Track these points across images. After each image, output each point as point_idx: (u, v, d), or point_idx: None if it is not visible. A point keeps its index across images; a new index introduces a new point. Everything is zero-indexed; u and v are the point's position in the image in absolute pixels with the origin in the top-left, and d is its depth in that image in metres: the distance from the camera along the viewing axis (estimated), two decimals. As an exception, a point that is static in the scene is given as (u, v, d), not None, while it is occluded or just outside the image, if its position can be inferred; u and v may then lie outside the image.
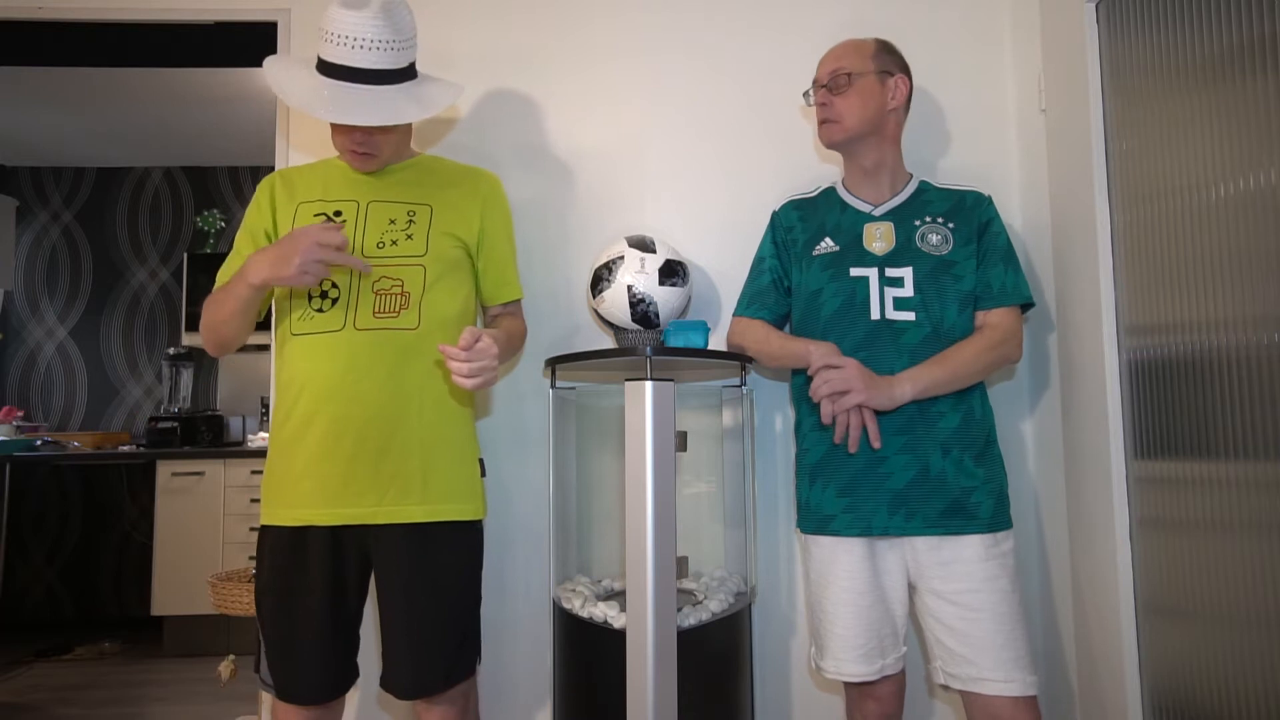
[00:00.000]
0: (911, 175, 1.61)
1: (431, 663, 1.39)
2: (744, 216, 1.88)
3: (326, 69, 1.38)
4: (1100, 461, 1.52)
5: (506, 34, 1.97)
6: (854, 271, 1.51)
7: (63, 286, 4.27)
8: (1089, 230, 1.54)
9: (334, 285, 1.43)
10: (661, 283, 1.63)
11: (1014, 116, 1.91)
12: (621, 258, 1.64)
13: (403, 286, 1.44)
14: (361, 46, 1.36)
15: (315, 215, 1.47)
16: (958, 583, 1.41)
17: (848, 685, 1.53)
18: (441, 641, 1.40)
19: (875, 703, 1.50)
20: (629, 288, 1.62)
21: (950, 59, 1.92)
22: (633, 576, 1.38)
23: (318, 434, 1.39)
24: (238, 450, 3.67)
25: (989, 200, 1.57)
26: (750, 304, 1.65)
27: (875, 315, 1.48)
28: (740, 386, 1.72)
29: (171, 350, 4.03)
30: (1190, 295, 1.29)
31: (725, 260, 1.89)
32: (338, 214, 1.47)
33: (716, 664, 1.49)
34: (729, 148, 1.94)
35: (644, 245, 1.67)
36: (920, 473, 1.44)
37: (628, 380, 1.42)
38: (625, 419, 1.41)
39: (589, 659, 1.50)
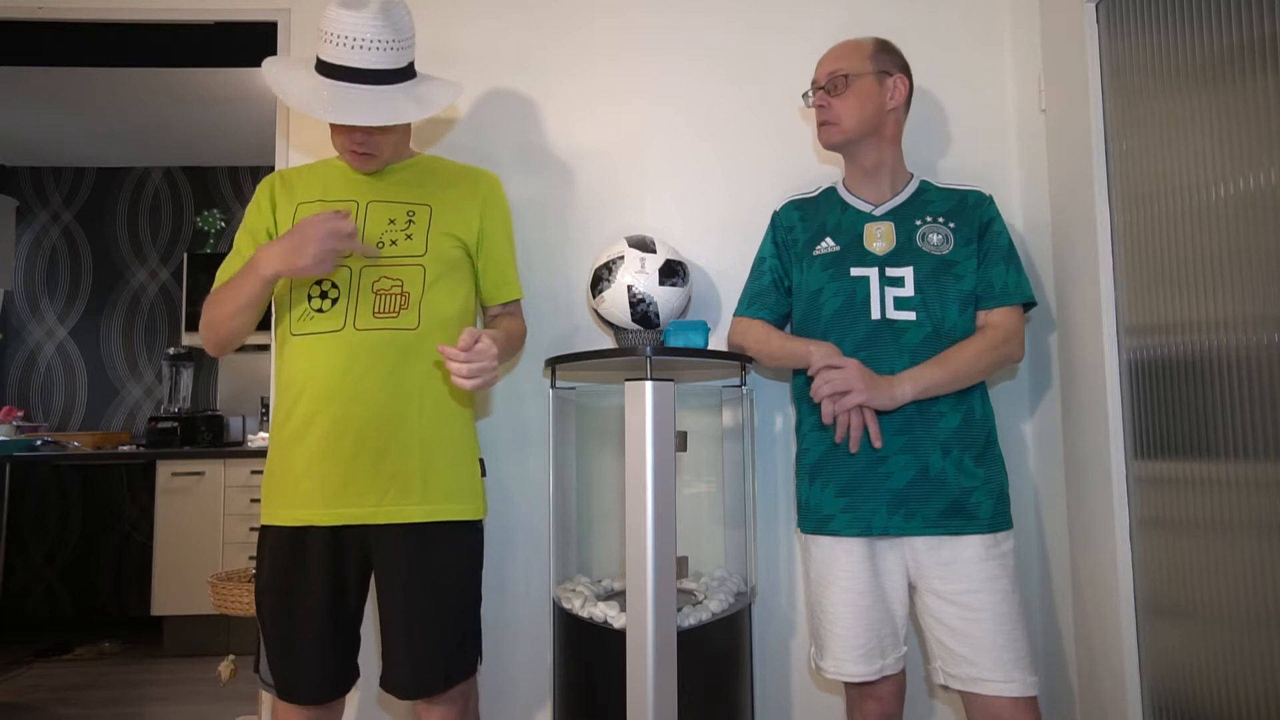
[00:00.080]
0: (912, 175, 1.61)
1: (432, 663, 1.39)
2: (744, 216, 1.88)
3: (326, 69, 1.38)
4: (1100, 461, 1.52)
5: (505, 34, 1.97)
6: (854, 271, 1.51)
7: (63, 286, 4.27)
8: (1089, 230, 1.54)
9: (334, 285, 1.43)
10: (661, 283, 1.63)
11: (1014, 116, 1.91)
12: (621, 258, 1.64)
13: (402, 286, 1.44)
14: (361, 46, 1.36)
15: None
16: (958, 583, 1.41)
17: (848, 685, 1.53)
18: (442, 641, 1.40)
19: (875, 703, 1.50)
20: (629, 288, 1.62)
21: (950, 59, 1.92)
22: (633, 576, 1.38)
23: (318, 434, 1.39)
24: (238, 450, 3.67)
25: (990, 199, 1.57)
26: (751, 304, 1.65)
27: (876, 315, 1.48)
28: (740, 386, 1.72)
29: (171, 350, 4.03)
30: (1190, 295, 1.29)
31: (725, 260, 1.89)
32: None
33: (716, 664, 1.49)
34: (729, 148, 1.94)
35: (644, 245, 1.67)
36: (920, 473, 1.44)
37: (628, 380, 1.42)
38: (625, 419, 1.41)
39: (589, 659, 1.50)
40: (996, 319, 1.49)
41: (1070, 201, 1.64)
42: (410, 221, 1.48)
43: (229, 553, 3.49)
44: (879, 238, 1.53)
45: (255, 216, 1.50)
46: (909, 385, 1.41)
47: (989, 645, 1.38)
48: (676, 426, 1.43)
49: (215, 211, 4.27)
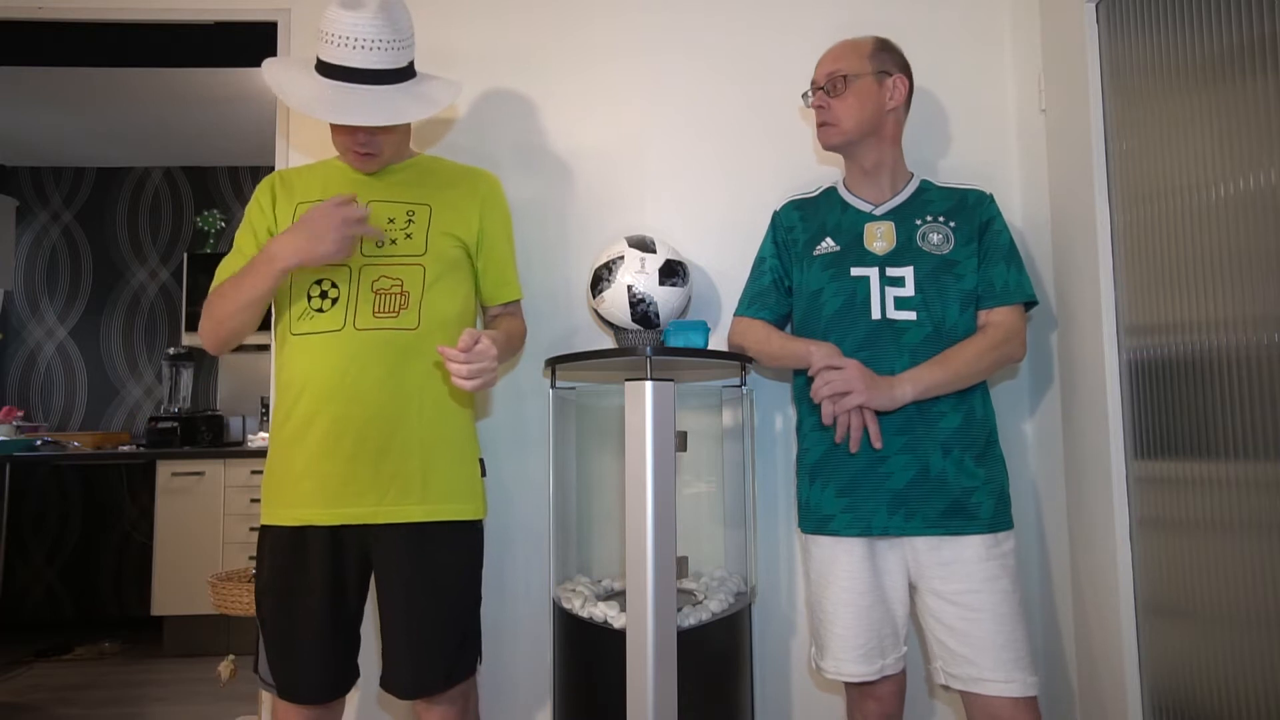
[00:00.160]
0: (913, 174, 1.61)
1: (432, 662, 1.39)
2: (744, 216, 1.88)
3: (326, 70, 1.38)
4: (1100, 461, 1.52)
5: (505, 33, 1.97)
6: (855, 271, 1.51)
7: (63, 286, 4.27)
8: (1089, 230, 1.54)
9: (334, 285, 1.43)
10: (661, 283, 1.63)
11: (1014, 116, 1.91)
12: (621, 258, 1.64)
13: (402, 286, 1.44)
14: (361, 47, 1.36)
15: None
16: (958, 583, 1.41)
17: (848, 685, 1.53)
18: (441, 641, 1.40)
19: (875, 703, 1.50)
20: (629, 288, 1.62)
21: (950, 59, 1.92)
22: (633, 576, 1.38)
23: (318, 434, 1.39)
24: (238, 450, 3.67)
25: (990, 199, 1.56)
26: (751, 304, 1.65)
27: (876, 315, 1.48)
28: (740, 386, 1.72)
29: (171, 350, 4.03)
30: (1190, 295, 1.29)
31: (725, 260, 1.89)
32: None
33: (716, 664, 1.49)
34: (729, 148, 1.94)
35: (644, 245, 1.67)
36: (920, 473, 1.44)
37: (628, 380, 1.42)
38: (625, 419, 1.41)
39: (589, 659, 1.50)
40: (997, 318, 1.49)
41: (1070, 201, 1.64)
42: (410, 221, 1.48)
43: (229, 553, 3.49)
44: (879, 237, 1.53)
45: (257, 215, 1.50)
46: (909, 386, 1.41)
47: (989, 645, 1.38)
48: (676, 426, 1.43)
49: (215, 211, 4.27)
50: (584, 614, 1.52)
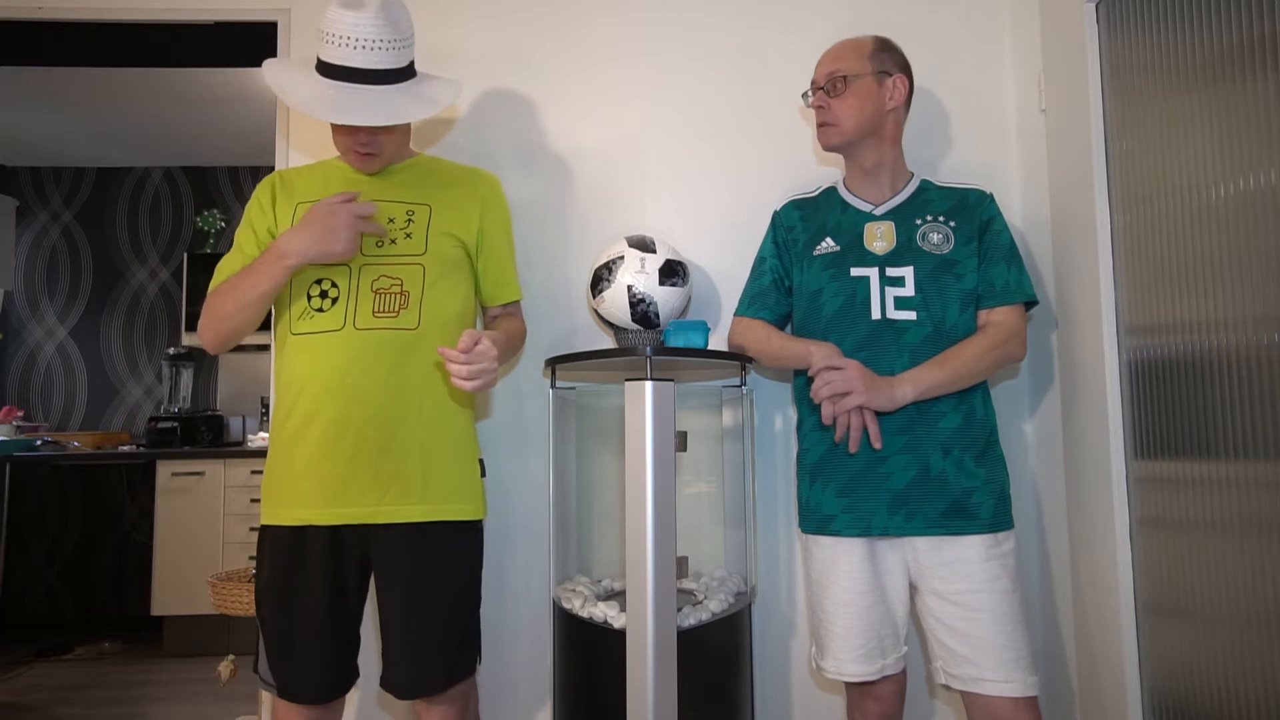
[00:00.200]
0: (913, 174, 1.61)
1: (431, 662, 1.39)
2: (744, 216, 1.88)
3: (327, 70, 1.39)
4: (1100, 461, 1.52)
5: (505, 33, 1.97)
6: (855, 271, 1.51)
7: (63, 286, 4.27)
8: (1089, 230, 1.54)
9: (334, 284, 1.43)
10: (661, 283, 1.63)
11: (1014, 116, 1.91)
12: (621, 258, 1.64)
13: (402, 285, 1.44)
14: (363, 47, 1.36)
15: None
16: (958, 583, 1.41)
17: (848, 685, 1.53)
18: (441, 641, 1.40)
19: (876, 703, 1.50)
20: (629, 288, 1.62)
21: (950, 59, 1.92)
22: (633, 576, 1.38)
23: (318, 434, 1.39)
24: (238, 450, 3.67)
25: (990, 198, 1.56)
26: (751, 304, 1.65)
27: (876, 315, 1.48)
28: (740, 386, 1.72)
29: (171, 350, 4.03)
30: (1190, 295, 1.29)
31: (725, 260, 1.89)
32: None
33: (716, 664, 1.49)
34: (729, 148, 1.94)
35: (644, 245, 1.67)
36: (921, 473, 1.44)
37: (628, 380, 1.42)
38: (625, 419, 1.41)
39: (589, 659, 1.50)
40: (998, 318, 1.49)
41: (1070, 201, 1.64)
42: (410, 220, 1.48)
43: (229, 553, 3.49)
44: (879, 237, 1.53)
45: (257, 214, 1.50)
46: (909, 386, 1.41)
47: (990, 645, 1.38)
48: (676, 426, 1.43)
49: (215, 211, 4.27)
50: (584, 614, 1.52)
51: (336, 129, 1.47)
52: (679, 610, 1.43)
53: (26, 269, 4.27)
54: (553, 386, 1.71)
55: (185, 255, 4.13)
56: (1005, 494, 1.48)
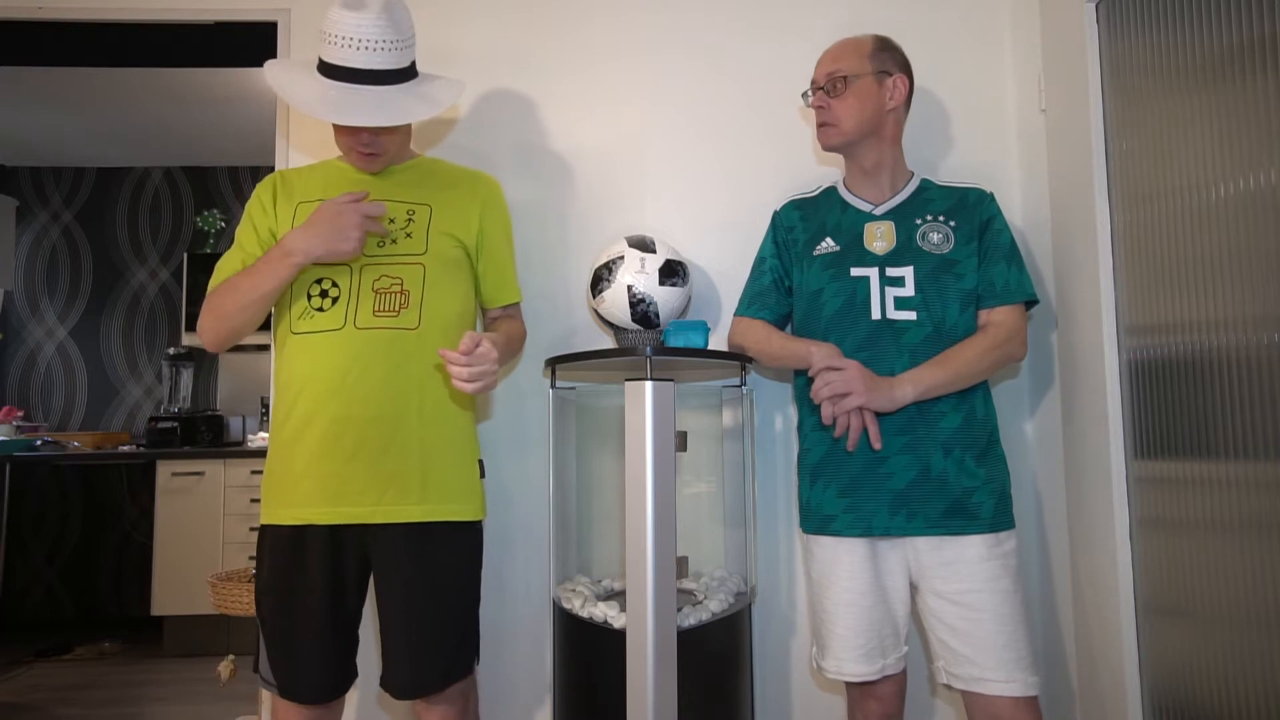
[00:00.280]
0: (913, 173, 1.61)
1: (430, 662, 1.39)
2: (744, 216, 1.88)
3: (329, 70, 1.39)
4: (1100, 461, 1.52)
5: (505, 34, 1.97)
6: (855, 271, 1.51)
7: (63, 286, 4.27)
8: (1089, 230, 1.54)
9: (334, 284, 1.43)
10: (661, 283, 1.63)
11: (1014, 116, 1.91)
12: (621, 258, 1.64)
13: (402, 285, 1.44)
14: (365, 47, 1.37)
15: None
16: (959, 583, 1.41)
17: (849, 685, 1.53)
18: (440, 641, 1.40)
19: (876, 702, 1.50)
20: (629, 288, 1.62)
21: (950, 59, 1.92)
22: (633, 576, 1.38)
23: (317, 433, 1.39)
24: (238, 450, 3.67)
25: (991, 197, 1.56)
26: (751, 304, 1.65)
27: (876, 315, 1.48)
28: (740, 386, 1.72)
29: (171, 350, 4.03)
30: (1190, 295, 1.29)
31: (725, 260, 1.89)
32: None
33: (716, 664, 1.49)
34: (729, 148, 1.94)
35: (644, 245, 1.67)
36: (921, 473, 1.44)
37: (628, 380, 1.42)
38: (625, 419, 1.41)
39: (589, 659, 1.50)
40: (998, 318, 1.49)
41: (1070, 201, 1.64)
42: (410, 220, 1.49)
43: (229, 553, 3.49)
44: (879, 237, 1.53)
45: (258, 213, 1.50)
46: (910, 387, 1.41)
47: (990, 645, 1.38)
48: (676, 426, 1.43)
49: (215, 211, 4.27)
50: (584, 614, 1.52)
51: (339, 129, 1.47)
52: (679, 610, 1.43)
53: (26, 269, 4.27)
54: (553, 386, 1.71)
55: (185, 255, 4.13)
56: (1006, 494, 1.48)
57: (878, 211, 1.56)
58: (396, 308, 1.43)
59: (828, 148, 1.58)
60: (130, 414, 4.22)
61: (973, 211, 1.54)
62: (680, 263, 1.68)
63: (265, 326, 1.55)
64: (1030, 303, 1.52)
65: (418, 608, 1.39)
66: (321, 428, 1.38)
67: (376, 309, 1.42)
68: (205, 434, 3.83)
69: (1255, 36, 1.14)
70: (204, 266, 4.04)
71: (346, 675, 1.44)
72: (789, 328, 1.66)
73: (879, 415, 1.43)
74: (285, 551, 1.40)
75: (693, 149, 1.94)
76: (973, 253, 1.51)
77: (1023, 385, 1.85)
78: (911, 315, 1.47)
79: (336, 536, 1.40)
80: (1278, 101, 1.11)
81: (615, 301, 1.64)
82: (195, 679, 3.18)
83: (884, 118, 1.54)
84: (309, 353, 1.41)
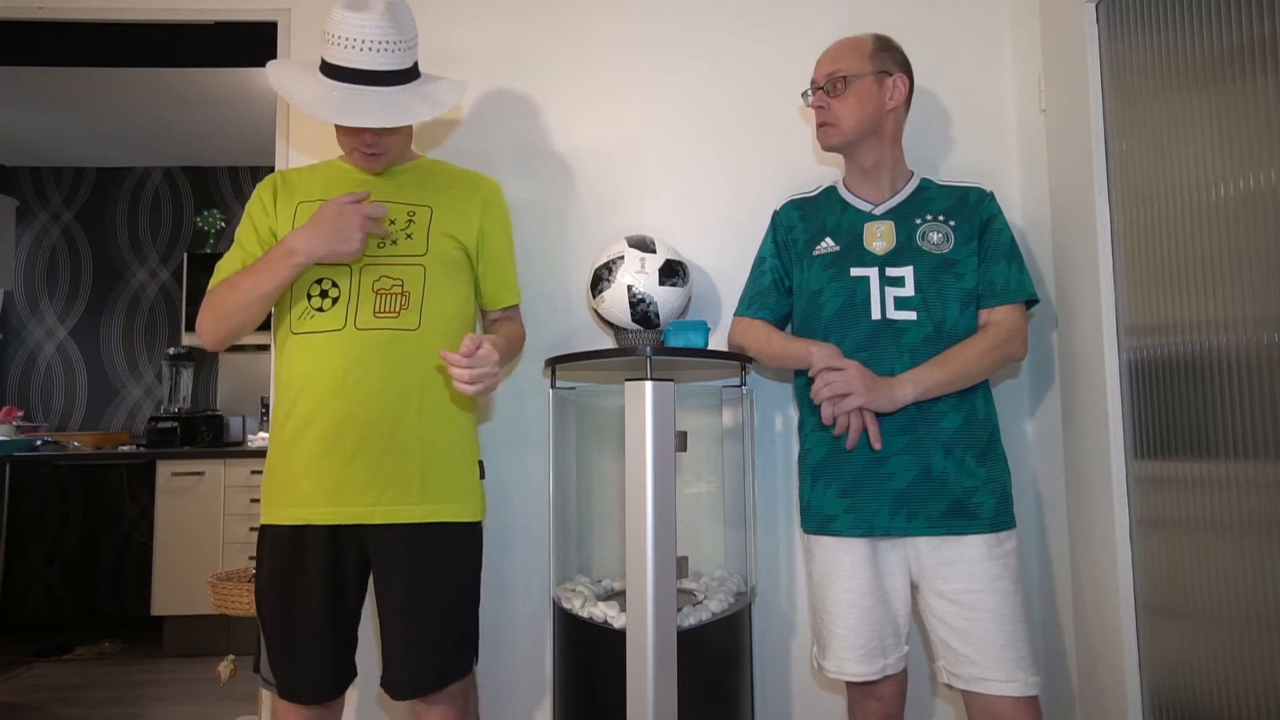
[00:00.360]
0: (913, 173, 1.61)
1: (429, 662, 1.39)
2: (744, 216, 1.88)
3: (331, 71, 1.39)
4: (1100, 461, 1.52)
5: (504, 34, 1.97)
6: (854, 271, 1.51)
7: (63, 286, 4.27)
8: (1089, 230, 1.54)
9: (334, 285, 1.43)
10: (661, 283, 1.63)
11: (1014, 116, 1.91)
12: (621, 258, 1.64)
13: (403, 286, 1.44)
14: (367, 48, 1.37)
15: None
16: (960, 583, 1.41)
17: (850, 685, 1.53)
18: (439, 641, 1.40)
19: (877, 702, 1.50)
20: (629, 288, 1.62)
21: (950, 59, 1.92)
22: (633, 576, 1.38)
23: (317, 433, 1.39)
24: (238, 450, 3.67)
25: (991, 196, 1.56)
26: (751, 304, 1.65)
27: (876, 315, 1.48)
28: (740, 386, 1.72)
29: (171, 350, 4.03)
30: (1190, 295, 1.29)
31: (725, 260, 1.89)
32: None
33: (716, 664, 1.49)
34: (729, 148, 1.94)
35: (644, 245, 1.67)
36: (922, 473, 1.44)
37: (628, 380, 1.42)
38: (625, 419, 1.41)
39: (589, 659, 1.50)
40: (998, 317, 1.49)
41: (1070, 201, 1.64)
42: (411, 221, 1.49)
43: (229, 553, 3.49)
44: (879, 237, 1.53)
45: (259, 212, 1.50)
46: (910, 387, 1.41)
47: (991, 645, 1.38)
48: (676, 426, 1.43)
49: (215, 211, 4.27)
50: (584, 614, 1.52)
51: (341, 130, 1.47)
52: (679, 610, 1.43)
53: (26, 269, 4.27)
54: (553, 386, 1.71)
55: (185, 255, 4.13)
56: (1007, 494, 1.48)
57: (877, 211, 1.56)
58: (397, 308, 1.43)
59: (827, 148, 1.58)
60: (130, 414, 4.22)
61: (973, 211, 1.54)
62: (680, 263, 1.68)
63: (265, 327, 1.55)
64: (1030, 302, 1.52)
65: (416, 608, 1.39)
66: (321, 428, 1.38)
67: (377, 310, 1.42)
68: (205, 434, 3.83)
69: (1255, 36, 1.14)
70: (204, 266, 4.04)
71: (346, 675, 1.44)
72: (789, 328, 1.66)
73: (879, 415, 1.43)
74: (285, 551, 1.40)
75: (693, 149, 1.94)
76: (973, 252, 1.51)
77: (1023, 385, 1.85)
78: (911, 315, 1.47)
79: (336, 536, 1.40)
80: (1278, 101, 1.11)
81: (615, 301, 1.64)
82: (195, 679, 3.18)
83: (884, 118, 1.54)
84: (309, 353, 1.41)
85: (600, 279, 1.66)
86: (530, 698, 1.85)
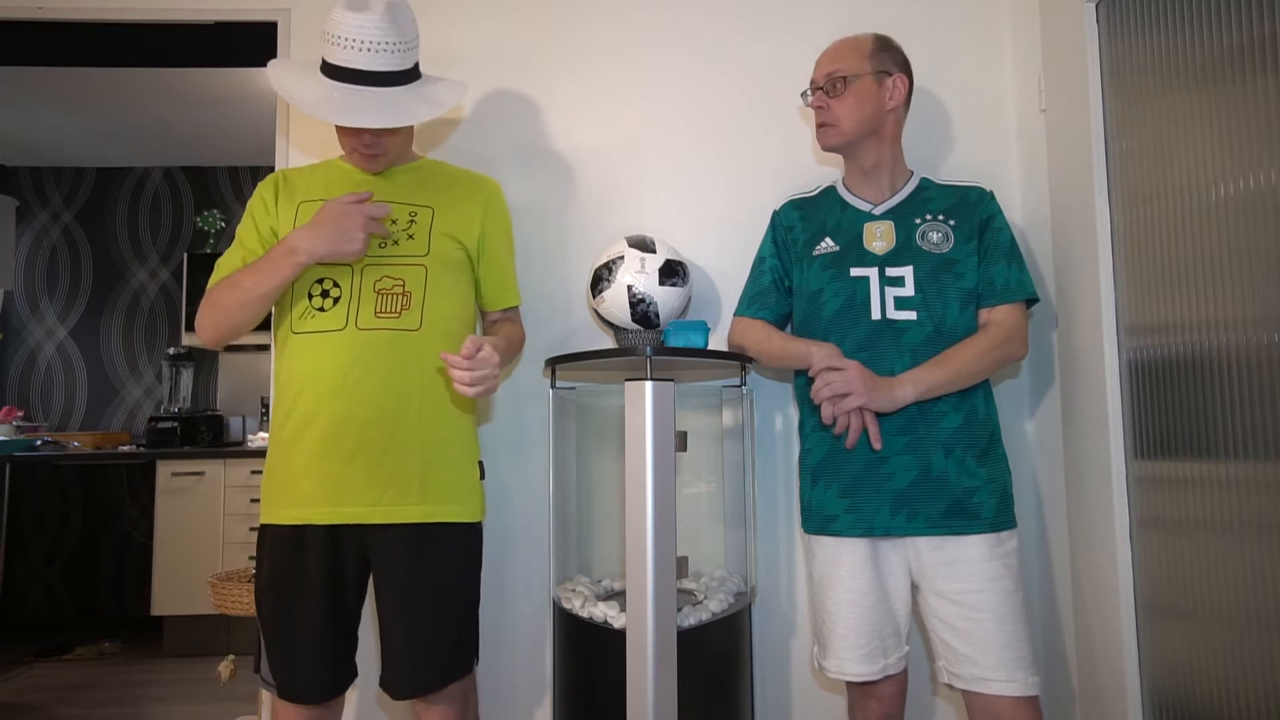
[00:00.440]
0: (912, 173, 1.61)
1: (429, 662, 1.39)
2: (744, 216, 1.88)
3: (332, 71, 1.39)
4: (1100, 461, 1.52)
5: (505, 34, 1.97)
6: (854, 271, 1.51)
7: (63, 286, 4.27)
8: (1089, 230, 1.54)
9: (335, 285, 1.43)
10: (661, 283, 1.63)
11: (1014, 116, 1.91)
12: (621, 258, 1.64)
13: (404, 286, 1.44)
14: (368, 49, 1.37)
15: None
16: (961, 583, 1.41)
17: (850, 685, 1.53)
18: (439, 641, 1.40)
19: (877, 702, 1.50)
20: (629, 288, 1.62)
21: (950, 59, 1.92)
22: (633, 576, 1.38)
23: (317, 433, 1.39)
24: (238, 450, 3.67)
25: (991, 196, 1.56)
26: (751, 304, 1.65)
27: (876, 315, 1.48)
28: (740, 386, 1.72)
29: (171, 350, 4.04)
30: (1190, 295, 1.29)
31: (725, 260, 1.89)
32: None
33: (716, 664, 1.49)
34: (729, 148, 1.94)
35: (644, 245, 1.67)
36: (922, 473, 1.44)
37: (628, 380, 1.42)
38: (625, 419, 1.41)
39: (589, 659, 1.50)
40: (999, 317, 1.49)
41: (1070, 201, 1.64)
42: (412, 221, 1.49)
43: (229, 553, 3.49)
44: (879, 237, 1.53)
45: (260, 211, 1.50)
46: (910, 387, 1.41)
47: (991, 645, 1.38)
48: (676, 426, 1.43)
49: (215, 211, 4.27)
50: (584, 614, 1.52)
51: (341, 130, 1.47)
52: (679, 610, 1.43)
53: (26, 269, 4.27)
54: (553, 387, 1.71)
55: (185, 255, 4.13)
56: (1007, 493, 1.48)
57: (877, 211, 1.56)
58: (398, 309, 1.43)
59: (827, 148, 1.58)
60: (130, 414, 4.22)
61: (973, 210, 1.54)
62: (680, 263, 1.68)
63: (264, 326, 1.55)
64: (1031, 301, 1.52)
65: (416, 608, 1.39)
66: (322, 428, 1.38)
67: (378, 310, 1.42)
68: (205, 434, 3.84)
69: (1255, 36, 1.14)
70: (204, 266, 4.04)
71: (346, 675, 1.44)
72: (789, 328, 1.66)
73: (879, 415, 1.43)
74: (285, 551, 1.40)
75: (693, 149, 1.94)
76: (972, 251, 1.51)
77: (1023, 385, 1.85)
78: (911, 315, 1.47)
79: (335, 536, 1.40)
80: (1278, 101, 1.11)
81: (615, 301, 1.64)
82: (195, 679, 3.18)
83: (884, 118, 1.54)
84: (310, 353, 1.41)
85: (600, 279, 1.66)
86: (530, 698, 1.85)
